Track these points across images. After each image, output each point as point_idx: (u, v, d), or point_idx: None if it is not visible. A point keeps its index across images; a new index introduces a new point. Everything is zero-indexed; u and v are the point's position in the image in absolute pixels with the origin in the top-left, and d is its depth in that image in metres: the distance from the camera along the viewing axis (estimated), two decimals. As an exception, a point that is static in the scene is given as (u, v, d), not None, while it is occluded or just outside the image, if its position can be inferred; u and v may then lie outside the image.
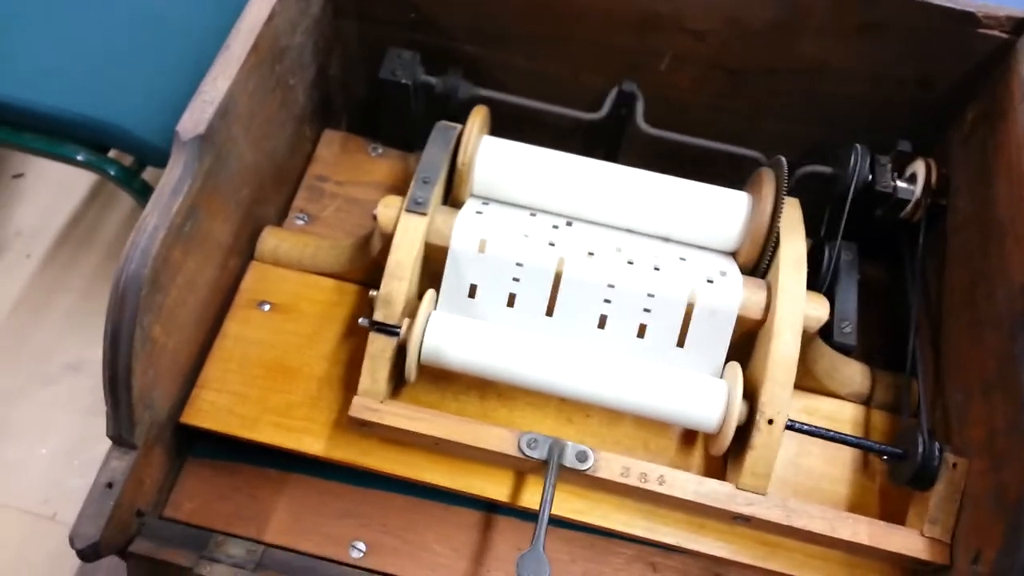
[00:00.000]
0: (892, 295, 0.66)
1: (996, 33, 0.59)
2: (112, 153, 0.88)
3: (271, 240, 0.63)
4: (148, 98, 0.86)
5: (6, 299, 1.15)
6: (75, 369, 1.10)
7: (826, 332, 0.59)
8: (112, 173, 0.87)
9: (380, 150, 0.72)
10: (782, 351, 0.53)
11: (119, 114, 0.84)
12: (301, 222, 0.68)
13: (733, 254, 0.60)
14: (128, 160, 0.89)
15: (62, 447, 1.04)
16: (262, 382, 0.57)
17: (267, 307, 0.60)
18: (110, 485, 0.49)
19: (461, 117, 0.61)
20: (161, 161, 0.87)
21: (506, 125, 0.64)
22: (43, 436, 1.05)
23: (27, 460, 1.03)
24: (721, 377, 0.56)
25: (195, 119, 0.52)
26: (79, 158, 0.86)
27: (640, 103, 0.66)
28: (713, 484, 0.52)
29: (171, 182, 0.50)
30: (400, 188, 0.68)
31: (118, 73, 0.87)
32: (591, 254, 0.56)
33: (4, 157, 1.26)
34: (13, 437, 1.04)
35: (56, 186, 1.25)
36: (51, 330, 1.13)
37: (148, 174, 0.90)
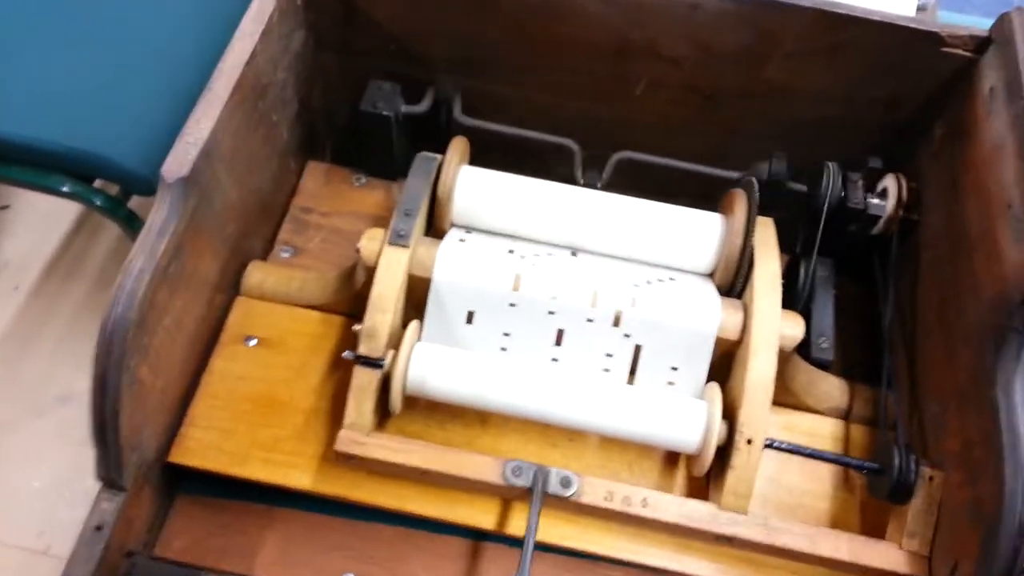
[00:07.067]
0: (869, 309, 0.67)
1: (960, 52, 0.60)
2: (98, 183, 0.88)
3: (257, 274, 0.64)
4: (132, 128, 0.85)
5: (-4, 331, 1.15)
6: (65, 400, 1.10)
7: (804, 348, 0.60)
8: (98, 203, 0.86)
9: (364, 180, 0.73)
10: (759, 371, 0.54)
11: (104, 144, 0.83)
12: (287, 254, 0.68)
13: (710, 275, 0.61)
14: (114, 190, 0.89)
15: (55, 479, 1.04)
16: (249, 417, 0.57)
17: (253, 342, 0.61)
18: (99, 528, 0.49)
19: (443, 144, 0.62)
20: (147, 190, 0.88)
21: (488, 153, 0.65)
22: (36, 468, 1.04)
23: (20, 493, 1.02)
24: (701, 398, 0.57)
25: (179, 161, 0.52)
26: (65, 189, 0.85)
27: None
28: (695, 505, 0.53)
29: (156, 224, 0.51)
30: (384, 217, 0.68)
31: (102, 104, 0.86)
32: (569, 281, 0.57)
33: (-10, 189, 1.27)
34: (6, 470, 1.04)
35: (42, 217, 1.25)
36: (41, 361, 1.13)
37: (134, 203, 0.91)
